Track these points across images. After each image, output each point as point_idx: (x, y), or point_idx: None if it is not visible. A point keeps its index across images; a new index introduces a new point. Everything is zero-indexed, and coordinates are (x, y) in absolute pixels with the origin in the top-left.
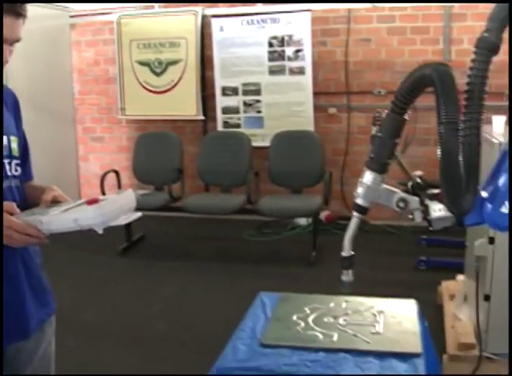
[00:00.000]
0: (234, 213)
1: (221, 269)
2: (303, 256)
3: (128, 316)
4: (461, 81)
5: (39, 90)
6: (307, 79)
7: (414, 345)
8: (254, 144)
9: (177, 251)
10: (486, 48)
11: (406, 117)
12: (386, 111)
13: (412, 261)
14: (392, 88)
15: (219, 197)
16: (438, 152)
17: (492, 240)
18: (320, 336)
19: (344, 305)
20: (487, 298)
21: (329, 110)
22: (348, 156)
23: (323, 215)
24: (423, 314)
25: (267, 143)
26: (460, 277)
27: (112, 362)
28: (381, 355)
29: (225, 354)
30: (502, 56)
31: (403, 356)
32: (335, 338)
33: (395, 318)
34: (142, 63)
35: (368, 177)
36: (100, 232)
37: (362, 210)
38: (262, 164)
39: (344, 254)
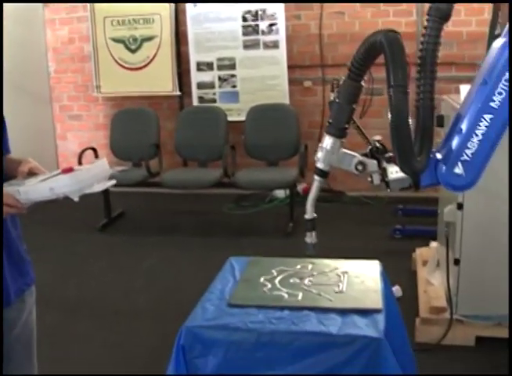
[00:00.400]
0: (212, 187)
1: (201, 242)
2: (280, 228)
3: (109, 290)
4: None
5: (14, 70)
6: (281, 53)
7: (375, 301)
8: (230, 118)
9: (156, 226)
10: (438, 16)
11: (362, 83)
12: (343, 78)
13: (388, 230)
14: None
15: (196, 171)
16: (389, 115)
17: (460, 206)
18: (285, 296)
19: (310, 266)
20: (457, 262)
21: (305, 83)
22: (324, 128)
23: (301, 187)
24: (385, 273)
25: (242, 118)
26: (433, 244)
27: (92, 336)
28: (343, 311)
29: (194, 314)
30: (474, 27)
31: (364, 312)
32: (300, 297)
33: (359, 278)
34: (116, 40)
35: (327, 141)
36: (76, 199)
37: (322, 174)
38: (238, 138)
39: (306, 216)
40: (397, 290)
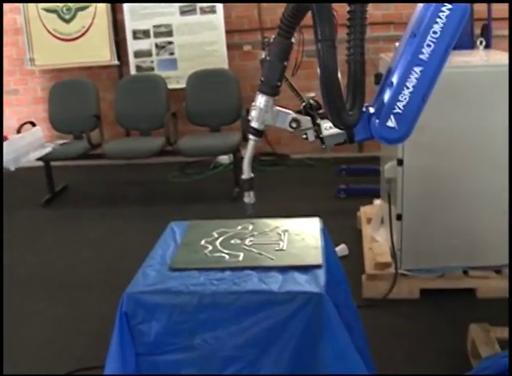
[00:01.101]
0: (155, 156)
1: (147, 211)
2: (226, 193)
3: (55, 263)
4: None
5: None
6: (219, 18)
7: (315, 257)
8: (170, 86)
9: (101, 198)
10: None
11: (293, 40)
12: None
13: (332, 190)
14: (306, 22)
15: (138, 140)
16: (318, 70)
17: (400, 162)
18: (226, 257)
19: (250, 227)
20: (399, 217)
21: (244, 47)
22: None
23: (244, 152)
24: (326, 230)
25: (182, 85)
26: (377, 202)
27: (42, 311)
28: (284, 269)
29: (135, 280)
30: None
31: (304, 269)
32: (241, 257)
33: (299, 235)
34: (49, 11)
35: (260, 100)
36: (12, 169)
37: (257, 133)
38: (179, 106)
39: (243, 176)
40: (343, 248)
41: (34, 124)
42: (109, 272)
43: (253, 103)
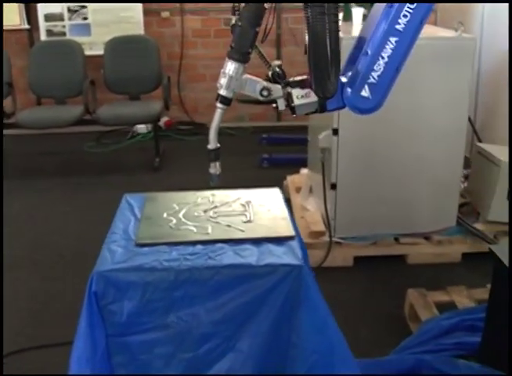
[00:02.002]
0: (71, 125)
1: (65, 183)
2: (147, 163)
3: None
4: None
5: None
6: None
7: (287, 228)
8: (86, 53)
9: (15, 170)
10: None
11: (266, 5)
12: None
13: (255, 160)
14: None
15: (54, 109)
16: (306, 37)
17: (335, 132)
18: (194, 230)
19: (210, 198)
20: (333, 186)
21: (162, 13)
22: (184, 60)
23: (163, 120)
24: (286, 201)
25: (97, 52)
26: (304, 171)
27: None
28: (257, 241)
29: (102, 258)
30: None
31: (278, 240)
32: (209, 230)
33: (264, 206)
34: None
35: (230, 67)
36: None
37: (225, 101)
38: (97, 74)
39: (209, 146)
40: None
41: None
42: (34, 248)
43: (221, 70)
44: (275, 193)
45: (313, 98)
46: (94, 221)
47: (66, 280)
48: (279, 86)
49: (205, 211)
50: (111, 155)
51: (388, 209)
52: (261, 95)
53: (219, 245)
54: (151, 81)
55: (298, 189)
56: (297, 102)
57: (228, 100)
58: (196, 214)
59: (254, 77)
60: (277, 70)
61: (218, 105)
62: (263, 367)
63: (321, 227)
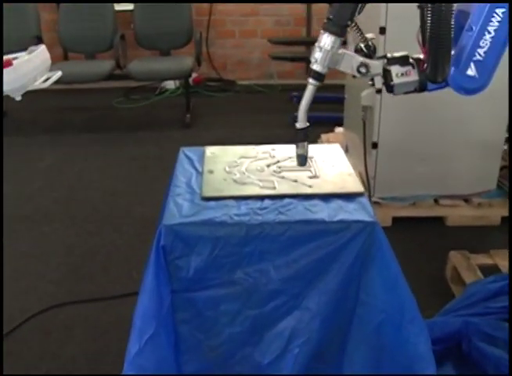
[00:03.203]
0: (102, 80)
1: (95, 139)
2: (177, 119)
3: (8, 196)
4: None
5: None
6: None
7: (355, 184)
8: (117, 8)
9: (45, 125)
10: None
11: None
12: None
13: (285, 118)
14: None
15: (84, 63)
16: (428, 14)
17: (379, 90)
18: (260, 184)
19: (272, 152)
20: (374, 145)
21: None
22: (213, 15)
23: (192, 77)
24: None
25: (129, 7)
26: (339, 129)
27: (5, 249)
28: (326, 197)
29: (169, 211)
30: None
31: (348, 197)
32: (276, 184)
33: (327, 162)
34: None
35: (326, 40)
36: (18, 98)
37: (319, 77)
38: (127, 29)
39: (298, 125)
40: None
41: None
42: (68, 203)
43: (316, 44)
44: (336, 149)
45: (414, 76)
46: (127, 176)
47: (103, 235)
48: (377, 62)
49: (268, 166)
50: (140, 111)
51: (429, 170)
52: (359, 71)
53: (288, 200)
54: (182, 37)
55: None
56: (396, 80)
57: (321, 76)
58: (259, 168)
59: (351, 52)
60: (370, 43)
61: (311, 80)
62: (329, 325)
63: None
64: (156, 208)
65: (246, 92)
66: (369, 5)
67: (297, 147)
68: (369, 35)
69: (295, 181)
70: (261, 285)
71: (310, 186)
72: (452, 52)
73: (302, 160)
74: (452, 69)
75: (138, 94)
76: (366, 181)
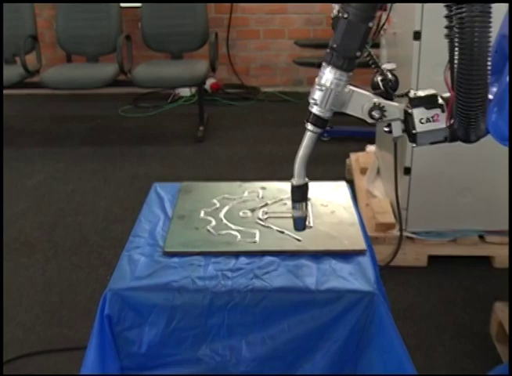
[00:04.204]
0: (103, 87)
1: (94, 153)
2: (189, 132)
3: None
4: None
5: None
6: None
7: (356, 239)
8: (122, 4)
9: (39, 136)
10: None
11: None
12: None
13: None
14: None
15: (85, 67)
16: (456, 49)
17: None
18: (238, 236)
19: (260, 193)
20: (407, 171)
21: None
22: (234, 13)
23: (208, 83)
24: (354, 197)
25: (137, 3)
26: (371, 148)
27: None
28: (317, 255)
29: (120, 270)
30: None
31: (345, 256)
32: (257, 237)
33: (327, 206)
34: None
35: (329, 76)
36: None
37: (320, 122)
38: (135, 28)
39: (294, 182)
40: None
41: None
42: (54, 229)
43: (316, 80)
44: (341, 188)
45: (443, 123)
46: (125, 199)
47: (89, 269)
48: (396, 104)
49: (253, 211)
50: (148, 121)
51: (473, 200)
52: (371, 117)
53: (269, 259)
54: (196, 38)
55: (364, 171)
56: (419, 128)
57: (323, 122)
58: (241, 214)
59: (362, 91)
60: (389, 76)
61: (309, 127)
62: None
63: (390, 218)
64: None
65: (271, 101)
66: (400, 5)
67: (294, 209)
68: (387, 66)
69: (281, 232)
70: (230, 365)
71: (298, 240)
72: (494, 89)
73: (299, 224)
74: (495, 113)
75: (148, 101)
76: (398, 212)
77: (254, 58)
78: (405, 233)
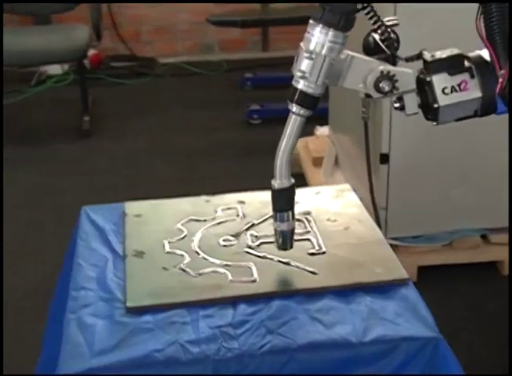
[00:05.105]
0: None
1: None
2: (70, 124)
3: None
4: None
5: None
6: None
7: (390, 264)
8: None
9: None
10: None
11: None
12: None
13: (238, 112)
14: None
15: None
16: None
17: None
18: (228, 274)
19: (239, 209)
20: (384, 159)
21: None
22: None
23: (89, 55)
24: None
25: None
26: (323, 131)
27: None
28: (345, 292)
29: (71, 343)
30: None
31: (381, 289)
32: (254, 273)
33: (336, 221)
34: None
35: (320, 39)
36: None
37: (309, 102)
38: None
39: (276, 184)
40: None
41: None
42: None
43: (301, 45)
44: (346, 194)
45: (473, 92)
46: None
47: None
48: (408, 71)
49: (237, 236)
50: (8, 112)
51: (471, 192)
52: (379, 90)
53: (280, 303)
54: None
55: (317, 161)
56: (443, 100)
57: (313, 101)
58: (221, 242)
59: (363, 56)
60: (391, 35)
61: (295, 109)
62: None
63: None
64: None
65: (174, 75)
66: None
67: (276, 220)
68: (388, 20)
69: (287, 263)
70: None
71: (314, 273)
72: None
73: (284, 241)
74: None
75: (4, 85)
76: (374, 213)
77: (146, 17)
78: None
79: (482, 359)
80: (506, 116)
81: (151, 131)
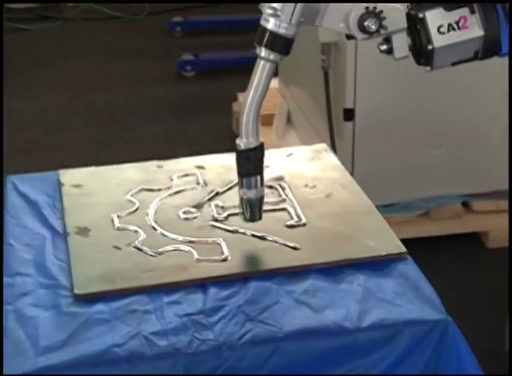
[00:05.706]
0: None
1: None
2: None
3: None
4: None
5: None
6: None
7: (383, 235)
8: None
9: None
10: None
11: None
12: None
13: (167, 63)
14: None
15: None
16: None
17: None
18: (193, 252)
19: (199, 176)
20: (349, 115)
21: None
22: None
23: None
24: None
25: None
26: (272, 83)
27: None
28: (332, 270)
29: (11, 340)
30: None
31: (375, 265)
32: (225, 250)
33: (316, 187)
34: None
35: None
36: None
37: (281, 44)
38: None
39: (242, 144)
40: None
41: None
42: None
43: None
44: (324, 155)
45: (473, 31)
46: None
47: None
48: (398, 7)
49: (199, 207)
50: None
51: (449, 152)
52: (363, 29)
53: (258, 285)
54: None
55: (267, 119)
56: (438, 41)
57: (286, 43)
58: (181, 214)
59: None
60: None
61: (264, 53)
62: None
63: None
64: None
65: (86, 20)
66: None
67: (242, 187)
68: None
69: (263, 238)
70: None
71: (295, 249)
72: None
73: (252, 211)
74: None
75: None
76: None
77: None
78: None
79: (473, 348)
80: (490, 61)
81: (63, 86)
